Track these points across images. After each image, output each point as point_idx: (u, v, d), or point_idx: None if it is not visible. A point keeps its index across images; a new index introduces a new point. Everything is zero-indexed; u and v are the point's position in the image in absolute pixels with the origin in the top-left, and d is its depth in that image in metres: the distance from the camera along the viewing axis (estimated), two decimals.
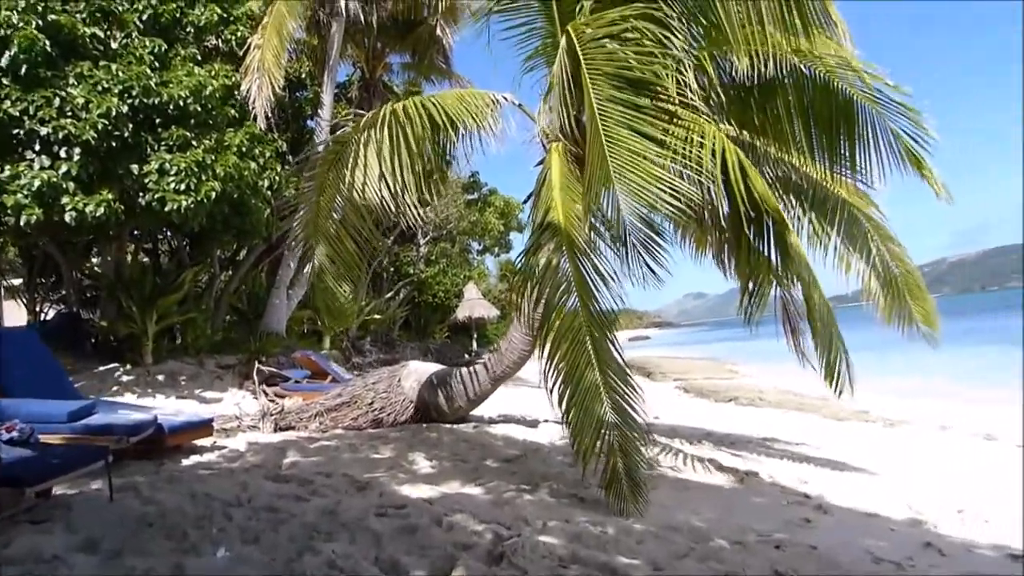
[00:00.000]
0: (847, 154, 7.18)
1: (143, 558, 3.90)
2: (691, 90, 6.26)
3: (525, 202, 8.06)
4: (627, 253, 5.78)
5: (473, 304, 34.89)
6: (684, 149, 6.09)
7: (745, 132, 7.92)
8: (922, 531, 6.03)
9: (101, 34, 11.39)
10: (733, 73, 7.49)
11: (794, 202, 8.21)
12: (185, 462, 6.90)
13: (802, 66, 7.07)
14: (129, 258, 15.82)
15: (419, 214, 7.73)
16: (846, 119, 6.97)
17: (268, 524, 4.67)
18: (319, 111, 17.89)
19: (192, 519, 4.63)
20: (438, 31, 19.96)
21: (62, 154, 10.31)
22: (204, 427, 7.73)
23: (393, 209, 7.55)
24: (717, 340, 61.34)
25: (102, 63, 11.00)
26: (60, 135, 10.17)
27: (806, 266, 7.35)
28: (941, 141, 6.73)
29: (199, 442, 7.71)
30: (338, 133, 8.06)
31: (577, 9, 7.22)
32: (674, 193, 5.68)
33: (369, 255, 8.16)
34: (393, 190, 7.44)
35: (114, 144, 10.72)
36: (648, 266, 5.84)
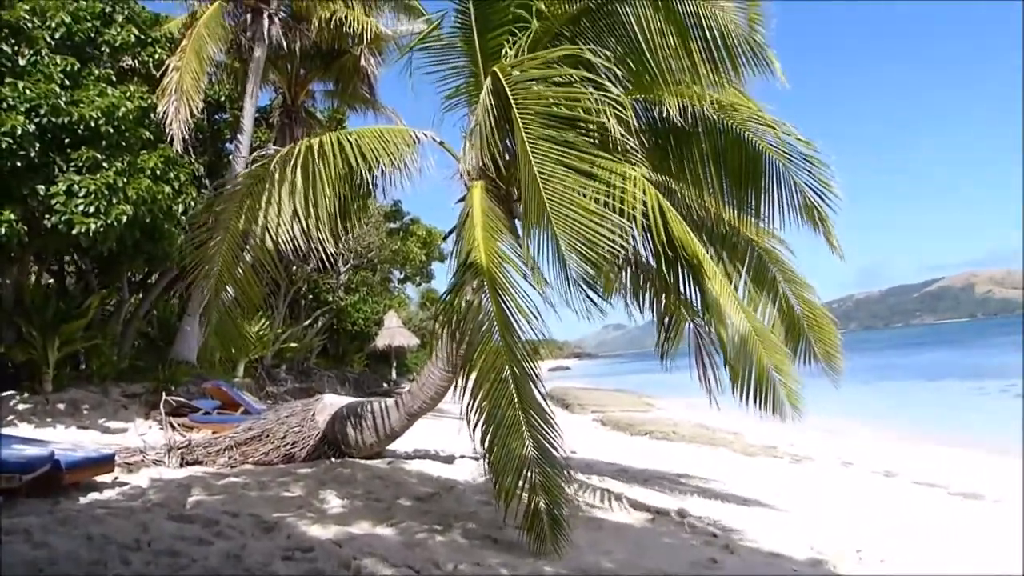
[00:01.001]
0: (753, 203, 7.47)
1: None
2: (615, 134, 6.40)
3: (447, 237, 8.09)
4: (569, 288, 5.85)
5: (393, 332, 34.59)
6: (608, 189, 6.20)
7: (664, 176, 8.15)
8: (822, 571, 6.21)
9: (8, 50, 10.97)
10: (653, 119, 7.74)
11: (707, 244, 8.46)
12: (83, 500, 6.57)
13: (718, 117, 7.34)
14: (33, 279, 15.16)
15: (334, 253, 7.65)
16: (754, 170, 7.25)
17: (168, 570, 4.51)
18: (238, 135, 17.59)
19: (86, 565, 4.42)
20: (362, 61, 19.94)
21: None
22: (105, 463, 7.40)
23: (306, 250, 7.46)
24: (635, 372, 62.21)
25: (8, 80, 10.59)
26: None
27: (733, 303, 7.49)
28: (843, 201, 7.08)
29: (99, 478, 7.38)
30: (252, 168, 7.89)
31: (503, 53, 7.32)
32: (610, 229, 5.80)
33: (285, 288, 8.06)
34: (305, 227, 7.34)
35: (18, 163, 10.31)
36: (591, 299, 5.94)
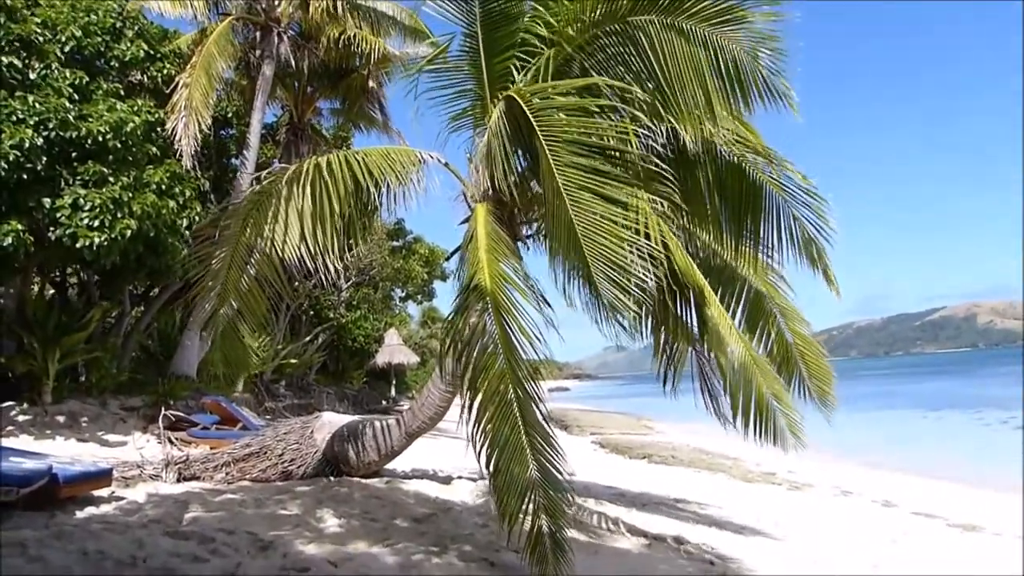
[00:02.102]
0: (752, 235, 7.54)
1: None
2: (636, 162, 6.44)
3: (449, 257, 8.11)
4: (600, 313, 5.87)
5: (393, 350, 34.57)
6: (629, 216, 6.22)
7: (666, 204, 8.19)
8: None
9: (19, 63, 11.07)
10: (659, 147, 7.79)
11: (705, 274, 8.50)
12: (79, 515, 6.56)
13: (722, 147, 7.40)
14: (35, 291, 15.20)
15: (338, 270, 7.68)
16: (754, 202, 7.33)
17: None
18: (244, 151, 17.68)
19: None
20: (370, 81, 20.07)
21: None
22: (102, 477, 7.40)
23: (312, 267, 7.48)
24: (634, 394, 62.05)
25: (18, 93, 10.68)
26: None
27: (731, 333, 7.53)
28: (841, 232, 7.16)
29: (96, 493, 7.37)
30: (259, 187, 7.93)
31: (510, 77, 7.40)
32: (639, 256, 5.83)
33: (286, 304, 8.08)
34: (313, 251, 7.37)
35: (25, 176, 10.38)
36: (621, 324, 5.95)
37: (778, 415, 8.02)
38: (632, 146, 6.34)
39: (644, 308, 8.96)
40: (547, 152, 6.27)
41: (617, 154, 6.41)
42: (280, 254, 7.42)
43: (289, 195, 7.49)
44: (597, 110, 6.50)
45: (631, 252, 5.82)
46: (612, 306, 5.80)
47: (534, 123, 6.42)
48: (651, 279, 5.90)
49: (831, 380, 9.14)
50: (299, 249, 7.38)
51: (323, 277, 7.78)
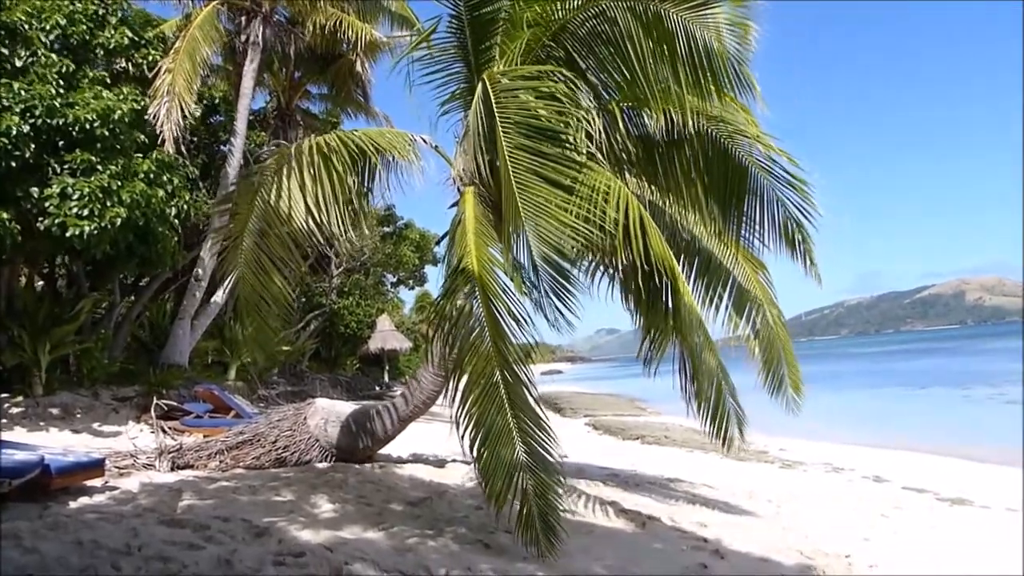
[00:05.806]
0: (736, 219, 7.60)
1: None
2: (600, 143, 6.43)
3: (439, 241, 8.12)
4: (540, 297, 5.89)
5: (386, 336, 34.59)
6: (590, 200, 6.23)
7: (652, 188, 8.17)
8: None
9: (4, 51, 10.96)
10: (642, 127, 7.78)
11: (690, 263, 8.55)
12: (73, 505, 6.55)
13: (706, 129, 7.42)
14: (23, 281, 15.11)
15: (345, 243, 7.75)
16: (739, 185, 7.38)
17: (158, 575, 4.51)
18: (232, 138, 17.56)
19: (76, 570, 4.42)
20: (357, 66, 19.93)
21: None
22: (95, 467, 7.38)
23: (321, 240, 7.51)
24: (627, 376, 62.15)
25: (3, 80, 10.58)
26: None
27: (699, 325, 7.60)
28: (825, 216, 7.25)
29: (89, 483, 7.35)
30: (260, 165, 7.92)
31: (499, 58, 7.38)
32: (579, 239, 5.86)
33: (294, 287, 8.08)
34: (319, 220, 7.39)
35: (13, 164, 10.30)
36: (558, 310, 5.96)
37: (731, 416, 8.25)
38: (585, 131, 6.35)
39: (624, 293, 9.03)
40: (501, 133, 6.29)
41: (576, 138, 6.42)
42: (289, 227, 7.47)
43: (291, 171, 7.51)
44: (560, 95, 6.48)
45: (576, 239, 5.85)
46: (553, 292, 5.84)
47: (494, 104, 6.44)
48: (606, 263, 5.93)
49: (798, 368, 9.36)
50: (307, 222, 7.43)
51: (319, 259, 7.83)
